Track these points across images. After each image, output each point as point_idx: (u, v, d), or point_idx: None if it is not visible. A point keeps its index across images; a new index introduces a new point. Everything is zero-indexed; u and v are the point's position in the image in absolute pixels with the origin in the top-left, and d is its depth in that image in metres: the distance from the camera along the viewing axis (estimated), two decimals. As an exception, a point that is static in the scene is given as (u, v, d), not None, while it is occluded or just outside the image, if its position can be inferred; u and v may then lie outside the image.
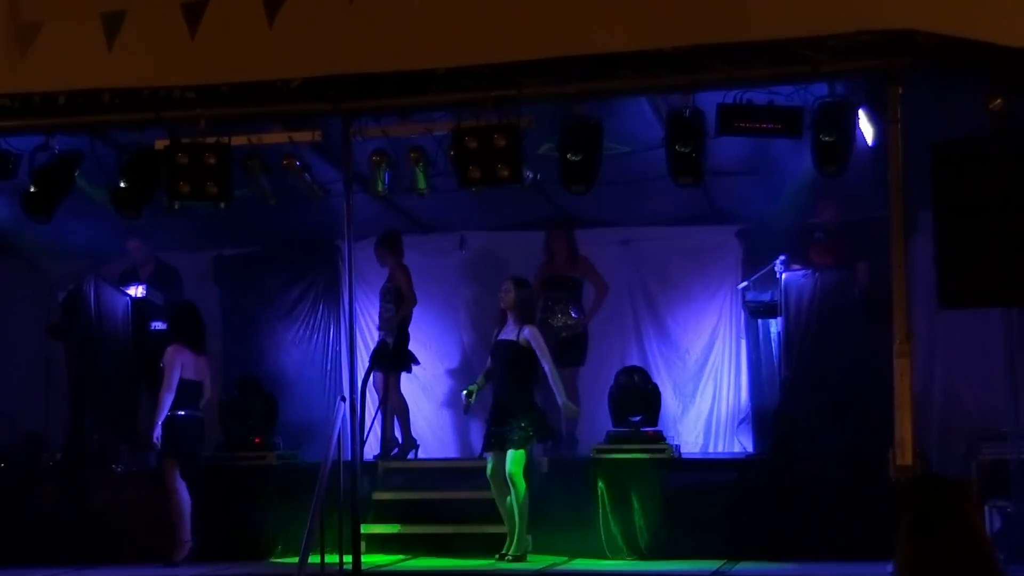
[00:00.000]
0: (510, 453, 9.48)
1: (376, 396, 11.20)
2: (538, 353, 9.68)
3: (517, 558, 9.40)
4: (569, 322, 11.08)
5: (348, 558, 8.72)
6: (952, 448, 10.34)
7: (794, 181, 10.05)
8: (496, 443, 9.59)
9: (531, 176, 9.00)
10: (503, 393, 9.77)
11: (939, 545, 3.13)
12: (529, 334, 9.71)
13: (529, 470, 9.68)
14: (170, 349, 10.18)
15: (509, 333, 9.78)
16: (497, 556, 9.47)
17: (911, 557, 3.16)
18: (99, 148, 9.49)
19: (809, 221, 10.84)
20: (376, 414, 11.07)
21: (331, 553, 8.75)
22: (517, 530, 9.44)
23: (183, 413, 10.09)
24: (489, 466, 9.63)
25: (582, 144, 8.73)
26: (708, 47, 8.18)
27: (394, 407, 11.20)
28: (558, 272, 11.26)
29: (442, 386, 12.08)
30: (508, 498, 9.49)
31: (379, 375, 11.07)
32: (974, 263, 7.88)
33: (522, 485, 9.46)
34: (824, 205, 10.62)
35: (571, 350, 11.03)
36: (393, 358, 11.03)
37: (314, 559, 8.53)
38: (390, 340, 11.12)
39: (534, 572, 9.12)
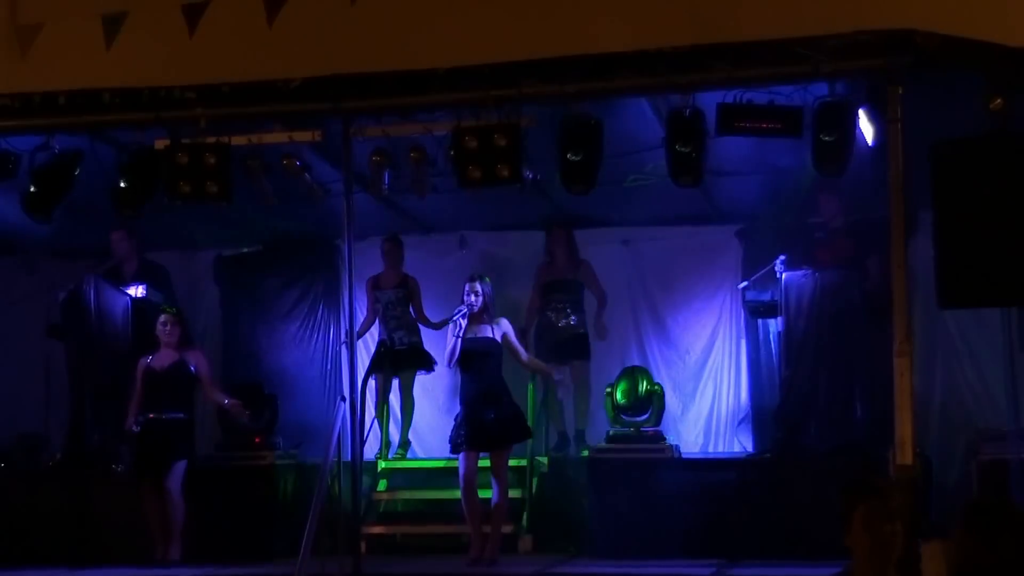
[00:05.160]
0: (503, 451, 9.41)
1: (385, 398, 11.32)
2: (514, 342, 9.71)
3: (493, 561, 9.33)
4: (569, 324, 11.09)
5: (348, 559, 8.73)
6: (952, 448, 10.35)
7: (794, 180, 10.06)
8: (487, 441, 9.38)
9: (531, 176, 8.99)
10: (489, 389, 9.50)
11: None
12: (507, 325, 9.72)
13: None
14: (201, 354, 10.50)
15: (486, 331, 9.62)
16: (471, 560, 9.33)
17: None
18: (99, 148, 9.49)
19: (810, 220, 10.82)
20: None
21: (331, 553, 8.74)
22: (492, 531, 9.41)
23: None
24: (464, 464, 9.37)
25: (582, 144, 8.72)
26: (708, 47, 8.18)
27: (408, 407, 11.30)
28: (559, 275, 11.25)
29: (442, 386, 12.07)
30: (480, 497, 9.40)
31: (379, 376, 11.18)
32: (974, 263, 7.86)
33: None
34: (826, 200, 10.58)
35: (574, 347, 11.04)
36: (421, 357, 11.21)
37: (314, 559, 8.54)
38: (408, 340, 11.16)
39: (534, 572, 9.12)
